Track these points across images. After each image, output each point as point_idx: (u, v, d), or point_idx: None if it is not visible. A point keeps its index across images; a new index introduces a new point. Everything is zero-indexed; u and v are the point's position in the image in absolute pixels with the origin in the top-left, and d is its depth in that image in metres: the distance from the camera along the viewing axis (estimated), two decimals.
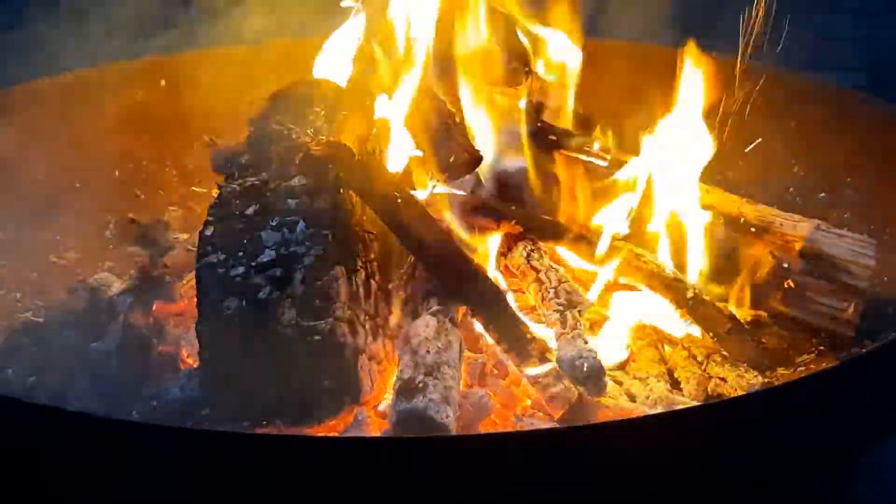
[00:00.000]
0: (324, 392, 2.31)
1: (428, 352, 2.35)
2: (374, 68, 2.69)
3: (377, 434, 2.29)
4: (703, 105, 2.73)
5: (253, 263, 2.32)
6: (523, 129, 2.74)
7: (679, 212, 2.71)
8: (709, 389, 2.51)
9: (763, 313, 2.66)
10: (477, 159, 2.65)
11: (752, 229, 2.65)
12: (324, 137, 2.49)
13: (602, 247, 2.67)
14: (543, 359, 2.42)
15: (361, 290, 2.41)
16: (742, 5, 2.88)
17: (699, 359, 2.56)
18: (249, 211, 2.40)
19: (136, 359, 2.53)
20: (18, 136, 3.06)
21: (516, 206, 2.73)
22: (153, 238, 3.07)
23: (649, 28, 3.30)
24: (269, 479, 1.98)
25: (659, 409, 2.42)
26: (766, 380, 2.51)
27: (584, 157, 2.78)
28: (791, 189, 3.08)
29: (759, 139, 3.11)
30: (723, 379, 2.50)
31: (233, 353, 2.30)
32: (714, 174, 3.09)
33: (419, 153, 2.64)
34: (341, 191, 2.44)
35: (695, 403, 2.46)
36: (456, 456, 2.01)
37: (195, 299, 2.38)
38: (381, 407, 2.37)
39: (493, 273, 2.64)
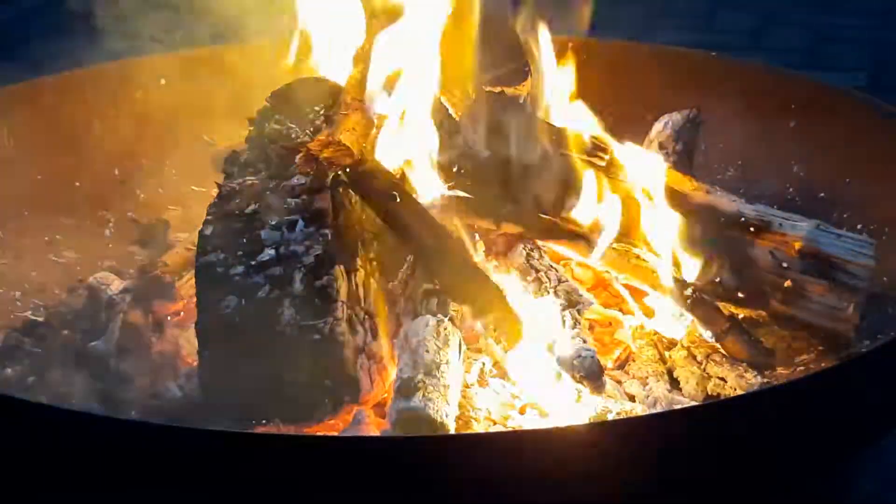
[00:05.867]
0: (323, 391, 2.32)
1: (427, 351, 2.35)
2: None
3: (376, 433, 2.29)
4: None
5: (252, 262, 2.32)
6: (523, 128, 2.74)
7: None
8: (708, 389, 2.51)
9: (762, 313, 2.66)
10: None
11: (752, 229, 2.65)
12: (323, 137, 2.49)
13: (601, 246, 2.67)
14: None
15: (361, 289, 2.41)
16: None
17: (699, 358, 2.56)
18: (249, 210, 2.40)
19: (136, 358, 2.52)
20: (17, 134, 3.06)
21: (515, 205, 2.72)
22: (153, 237, 3.07)
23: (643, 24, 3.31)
24: (268, 479, 1.98)
25: (658, 409, 2.42)
26: (765, 380, 2.51)
27: (582, 157, 2.77)
28: (790, 189, 3.08)
29: (759, 139, 3.11)
30: (722, 379, 2.50)
31: (232, 352, 2.30)
32: (714, 174, 3.10)
33: (418, 154, 2.64)
34: (341, 190, 2.44)
35: (694, 403, 2.46)
36: (455, 455, 2.01)
37: (195, 298, 2.39)
38: (380, 406, 2.37)
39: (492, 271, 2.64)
